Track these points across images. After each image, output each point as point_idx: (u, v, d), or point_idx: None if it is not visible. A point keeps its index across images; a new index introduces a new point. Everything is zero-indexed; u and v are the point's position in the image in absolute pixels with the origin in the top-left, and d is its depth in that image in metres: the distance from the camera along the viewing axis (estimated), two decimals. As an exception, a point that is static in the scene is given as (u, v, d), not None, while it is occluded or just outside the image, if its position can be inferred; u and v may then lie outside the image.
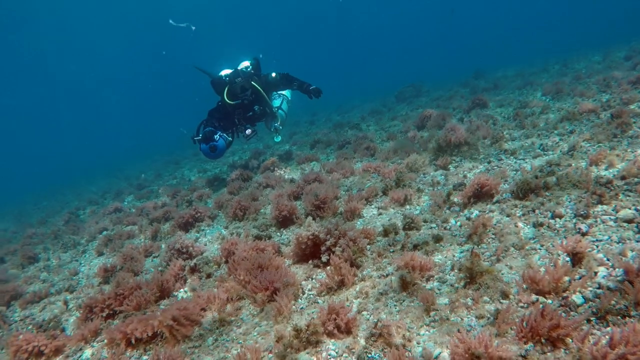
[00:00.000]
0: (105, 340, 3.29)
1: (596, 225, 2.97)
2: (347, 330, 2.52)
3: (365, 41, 53.83)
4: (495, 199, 3.90)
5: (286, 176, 7.27)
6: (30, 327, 4.62)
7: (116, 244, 6.56)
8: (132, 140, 30.50)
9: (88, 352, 3.48)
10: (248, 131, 8.39)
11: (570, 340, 1.94)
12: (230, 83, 8.22)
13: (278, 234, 4.84)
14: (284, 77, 8.67)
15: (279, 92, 9.12)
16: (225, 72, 8.44)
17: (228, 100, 8.19)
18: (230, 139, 8.41)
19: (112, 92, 55.38)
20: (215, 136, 7.74)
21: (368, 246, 3.65)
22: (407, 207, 4.48)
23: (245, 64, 8.66)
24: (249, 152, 11.44)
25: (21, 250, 7.90)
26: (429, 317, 2.49)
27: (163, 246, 5.80)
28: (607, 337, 1.84)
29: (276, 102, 8.90)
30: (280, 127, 8.74)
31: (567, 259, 2.60)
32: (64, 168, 24.79)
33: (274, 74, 8.58)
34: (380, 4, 57.07)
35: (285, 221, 4.95)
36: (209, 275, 4.17)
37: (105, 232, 7.68)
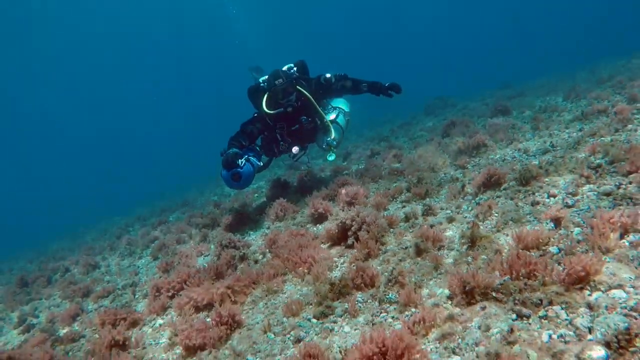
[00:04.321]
0: (175, 307, 4.03)
1: (582, 200, 3.52)
2: (371, 284, 3.17)
3: (394, 54, 54.35)
4: (502, 187, 4.46)
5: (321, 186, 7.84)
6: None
7: (169, 249, 7.31)
8: (174, 162, 32.01)
9: (161, 321, 4.23)
10: (295, 149, 6.83)
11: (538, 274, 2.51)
12: (269, 87, 6.49)
13: (314, 228, 5.50)
14: (343, 79, 6.99)
15: (334, 106, 7.41)
16: (263, 77, 6.89)
17: (267, 110, 6.52)
18: (260, 163, 6.81)
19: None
20: (239, 160, 6.12)
21: (391, 230, 4.27)
22: (427, 199, 5.07)
23: (288, 65, 7.09)
24: (284, 167, 12.16)
25: (82, 260, 8.83)
26: (437, 272, 3.10)
27: (212, 247, 6.55)
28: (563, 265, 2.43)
29: (329, 116, 7.11)
30: (335, 143, 6.77)
31: (552, 224, 3.17)
32: (107, 194, 26.32)
33: (328, 75, 6.85)
34: (409, 19, 57.69)
35: (320, 218, 5.61)
36: (256, 261, 4.88)
37: (157, 241, 8.45)
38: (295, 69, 6.95)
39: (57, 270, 8.95)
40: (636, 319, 1.97)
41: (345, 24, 57.16)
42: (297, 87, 6.60)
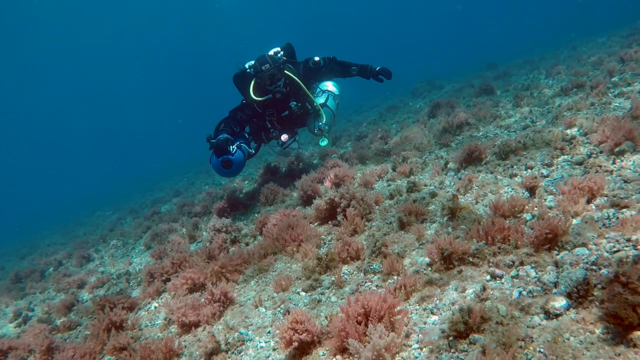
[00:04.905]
0: (169, 288, 4.15)
1: (556, 170, 3.69)
2: (357, 256, 3.31)
3: (380, 40, 54.12)
4: (483, 162, 4.61)
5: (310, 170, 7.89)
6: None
7: (162, 238, 7.38)
8: (163, 157, 31.94)
9: (155, 304, 4.35)
10: (284, 137, 6.66)
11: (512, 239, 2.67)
12: (256, 73, 6.23)
13: (303, 210, 5.63)
14: (332, 62, 6.76)
15: (323, 89, 7.23)
16: (249, 63, 6.51)
17: (255, 97, 6.29)
18: (251, 151, 6.60)
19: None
20: (230, 147, 5.92)
21: (377, 206, 4.41)
22: (412, 177, 5.21)
23: (275, 49, 6.69)
24: (274, 154, 12.21)
25: (75, 253, 8.86)
26: (419, 243, 3.25)
27: (205, 234, 6.65)
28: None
29: (319, 100, 6.93)
30: (327, 127, 6.64)
31: (527, 193, 3.33)
32: (98, 189, 26.18)
33: (317, 58, 6.63)
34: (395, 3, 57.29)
35: (309, 199, 5.72)
36: (247, 244, 5.01)
37: (149, 231, 8.50)
38: (282, 53, 6.63)
39: (50, 264, 8.98)
40: (596, 271, 2.13)
41: (332, 6, 56.54)
42: (285, 71, 6.38)
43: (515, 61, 15.77)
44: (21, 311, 6.30)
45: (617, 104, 5.11)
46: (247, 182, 9.82)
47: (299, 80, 6.39)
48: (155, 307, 4.26)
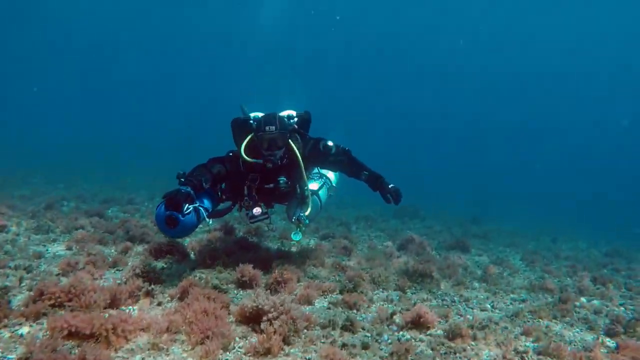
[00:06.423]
0: (47, 325, 3.57)
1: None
2: (254, 389, 2.88)
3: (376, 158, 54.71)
4: (429, 332, 4.31)
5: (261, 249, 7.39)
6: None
7: (88, 246, 6.76)
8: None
9: (25, 329, 3.74)
10: (256, 210, 5.69)
11: None
12: (257, 131, 5.43)
13: (235, 292, 5.19)
14: (344, 156, 5.95)
15: (321, 173, 6.54)
16: (257, 114, 5.68)
17: (245, 156, 5.47)
18: (208, 222, 5.58)
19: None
20: (186, 205, 4.76)
21: (305, 331, 4.02)
22: (354, 311, 4.86)
23: (290, 112, 5.91)
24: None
25: (-7, 217, 7.99)
26: (325, 403, 2.85)
27: (130, 263, 6.08)
28: None
29: (312, 185, 6.11)
30: (307, 221, 5.75)
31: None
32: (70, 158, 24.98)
33: (330, 143, 5.77)
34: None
35: (244, 285, 5.30)
36: (159, 304, 4.51)
37: (80, 230, 7.85)
38: (295, 119, 5.83)
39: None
40: None
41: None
42: (290, 141, 5.55)
43: (500, 223, 16.08)
44: None
45: (577, 330, 4.95)
46: (200, 226, 9.33)
47: (300, 158, 5.54)
48: (22, 335, 3.66)
